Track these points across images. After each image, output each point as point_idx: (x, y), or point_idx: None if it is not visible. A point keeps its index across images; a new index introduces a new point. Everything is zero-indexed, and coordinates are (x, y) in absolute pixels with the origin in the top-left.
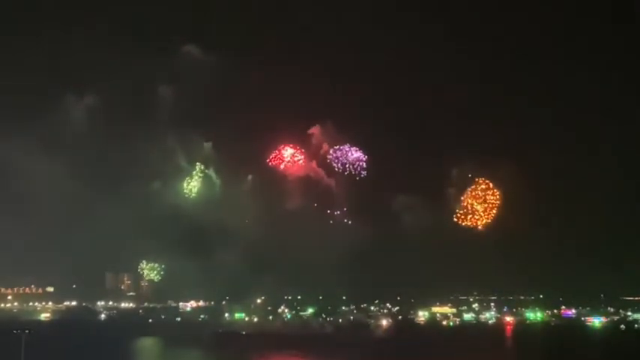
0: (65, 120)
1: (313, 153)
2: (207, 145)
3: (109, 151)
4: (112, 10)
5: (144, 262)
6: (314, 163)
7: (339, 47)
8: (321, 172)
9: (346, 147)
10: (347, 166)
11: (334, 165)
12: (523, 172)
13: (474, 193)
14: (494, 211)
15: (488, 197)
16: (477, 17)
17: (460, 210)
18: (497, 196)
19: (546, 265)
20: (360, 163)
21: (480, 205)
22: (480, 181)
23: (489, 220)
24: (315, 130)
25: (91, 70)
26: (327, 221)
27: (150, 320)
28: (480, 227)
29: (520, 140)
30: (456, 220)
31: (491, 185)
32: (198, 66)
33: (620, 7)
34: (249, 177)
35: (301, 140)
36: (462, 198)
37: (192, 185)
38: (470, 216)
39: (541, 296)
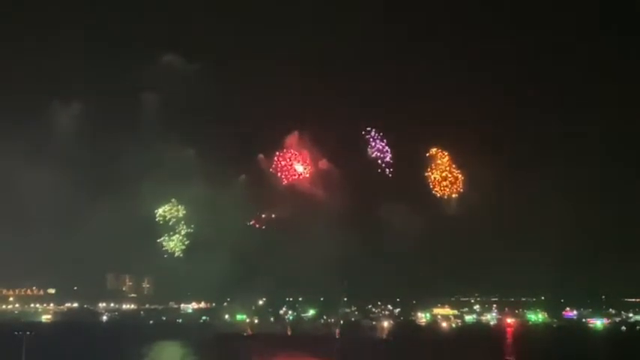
0: (61, 126)
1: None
2: (191, 151)
3: (105, 154)
4: (95, 18)
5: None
6: (296, 172)
7: (315, 51)
8: (306, 180)
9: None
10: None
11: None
12: (520, 174)
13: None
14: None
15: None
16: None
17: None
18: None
19: (548, 266)
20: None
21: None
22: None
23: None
24: (293, 137)
25: (77, 78)
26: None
27: (151, 322)
28: (454, 195)
29: (514, 139)
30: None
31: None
32: (179, 75)
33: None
34: (242, 177)
35: (280, 146)
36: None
37: (176, 245)
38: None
39: (542, 298)
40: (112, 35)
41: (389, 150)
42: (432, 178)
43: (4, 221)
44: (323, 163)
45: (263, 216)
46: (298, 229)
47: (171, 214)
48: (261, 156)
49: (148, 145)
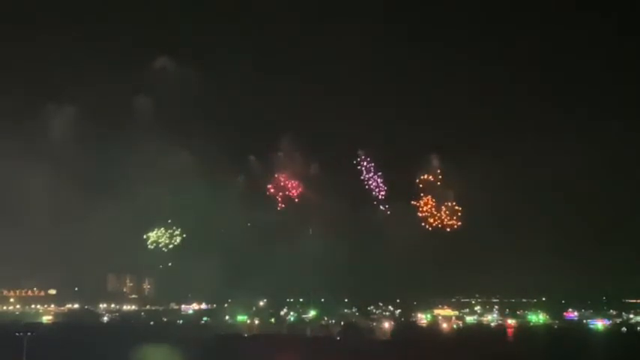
0: (61, 127)
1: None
2: (186, 153)
3: (105, 155)
4: (93, 19)
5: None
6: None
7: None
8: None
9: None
10: None
11: None
12: (521, 175)
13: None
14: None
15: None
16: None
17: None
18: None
19: (549, 267)
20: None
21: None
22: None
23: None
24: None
25: (72, 80)
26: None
27: (151, 323)
28: (453, 226)
29: (514, 140)
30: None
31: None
32: (173, 77)
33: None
34: (241, 177)
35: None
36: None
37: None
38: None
39: (543, 299)
40: (109, 37)
41: (384, 187)
42: (423, 209)
43: (5, 222)
44: (315, 167)
45: (262, 217)
46: (298, 230)
47: (165, 239)
48: (252, 157)
49: (147, 146)
